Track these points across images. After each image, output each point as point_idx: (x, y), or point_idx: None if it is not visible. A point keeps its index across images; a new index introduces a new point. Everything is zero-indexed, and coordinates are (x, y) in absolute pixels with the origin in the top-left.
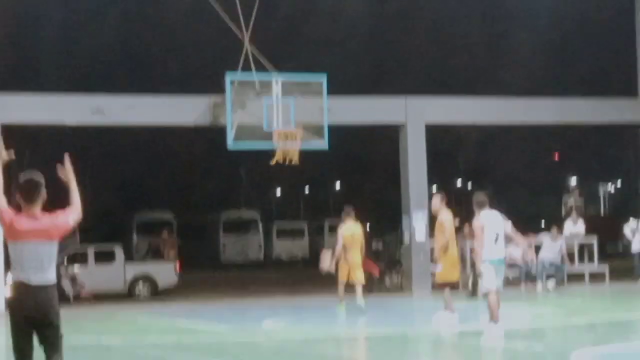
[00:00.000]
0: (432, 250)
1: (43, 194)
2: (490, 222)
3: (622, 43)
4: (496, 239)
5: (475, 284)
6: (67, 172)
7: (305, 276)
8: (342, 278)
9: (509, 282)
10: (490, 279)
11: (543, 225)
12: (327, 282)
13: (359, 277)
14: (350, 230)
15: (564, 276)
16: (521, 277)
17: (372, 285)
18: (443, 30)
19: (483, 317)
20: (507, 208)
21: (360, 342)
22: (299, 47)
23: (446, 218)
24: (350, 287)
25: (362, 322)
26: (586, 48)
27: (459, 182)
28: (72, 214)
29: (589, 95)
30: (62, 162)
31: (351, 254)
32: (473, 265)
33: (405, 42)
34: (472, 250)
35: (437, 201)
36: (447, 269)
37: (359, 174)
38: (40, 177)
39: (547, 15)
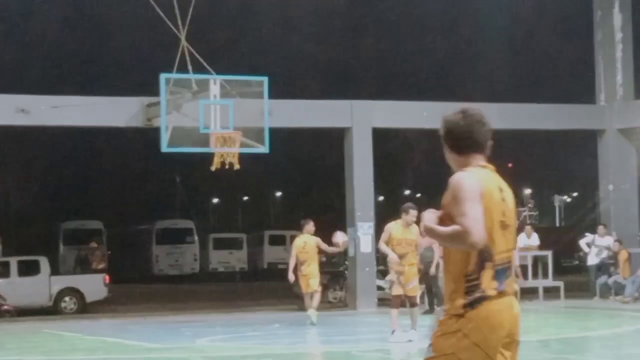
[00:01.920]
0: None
1: None
2: None
3: (581, 49)
4: None
5: (433, 298)
6: None
7: (243, 289)
8: (303, 290)
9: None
10: None
11: None
12: (266, 296)
13: (313, 286)
14: (302, 242)
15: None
16: None
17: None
18: (394, 33)
19: None
20: None
21: (296, 358)
22: (240, 49)
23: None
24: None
25: (301, 338)
26: (544, 53)
27: (407, 191)
28: None
29: (545, 102)
30: None
31: (305, 265)
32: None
33: (355, 46)
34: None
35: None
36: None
37: (302, 181)
38: None
39: (504, 20)
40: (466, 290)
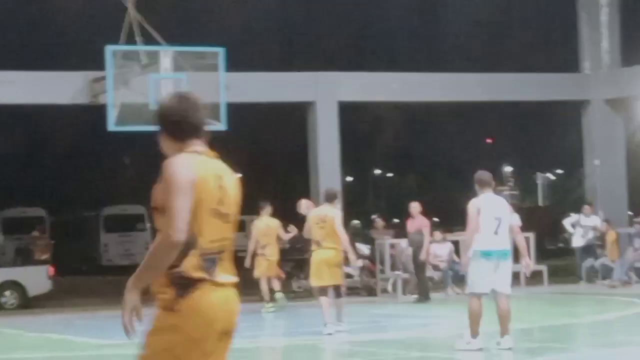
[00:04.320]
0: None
1: None
2: (490, 206)
3: (563, 13)
4: (497, 228)
5: (424, 287)
6: None
7: None
8: (260, 275)
9: (434, 285)
10: (478, 278)
11: None
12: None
13: (276, 273)
14: (264, 224)
15: None
16: (446, 280)
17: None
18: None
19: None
20: (432, 199)
21: (256, 352)
22: (193, 17)
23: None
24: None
25: (263, 331)
26: (523, 19)
27: (377, 171)
28: None
29: (526, 71)
30: None
31: (268, 249)
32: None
33: (318, 12)
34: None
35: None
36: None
37: (263, 161)
38: None
39: None
40: (172, 280)
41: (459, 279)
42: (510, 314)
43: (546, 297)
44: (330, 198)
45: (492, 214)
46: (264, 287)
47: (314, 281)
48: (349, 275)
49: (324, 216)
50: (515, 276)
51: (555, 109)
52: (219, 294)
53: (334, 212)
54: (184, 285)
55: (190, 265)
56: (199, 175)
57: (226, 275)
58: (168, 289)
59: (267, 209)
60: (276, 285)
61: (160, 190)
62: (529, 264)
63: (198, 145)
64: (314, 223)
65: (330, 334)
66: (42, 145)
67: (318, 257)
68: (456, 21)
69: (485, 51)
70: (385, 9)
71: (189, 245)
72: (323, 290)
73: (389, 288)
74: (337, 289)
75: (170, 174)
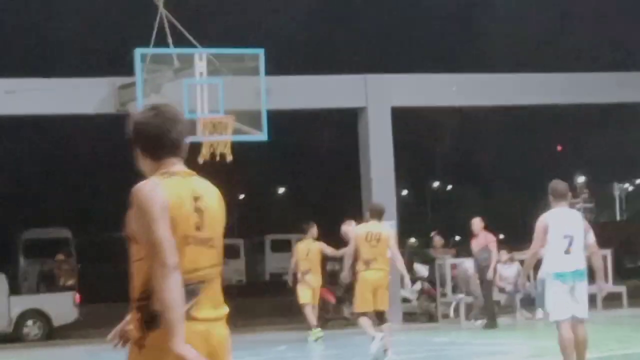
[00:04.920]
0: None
1: None
2: (561, 222)
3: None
4: (569, 246)
5: (491, 311)
6: None
7: (241, 306)
8: (303, 301)
9: (500, 309)
10: (557, 303)
11: None
12: (270, 313)
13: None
14: (306, 248)
15: None
16: (516, 302)
17: (328, 315)
18: None
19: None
20: (497, 214)
21: None
22: (231, 16)
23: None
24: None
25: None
26: (595, 10)
27: (436, 183)
28: None
29: (601, 70)
30: None
31: (310, 275)
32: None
33: (366, 10)
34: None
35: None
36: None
37: (308, 173)
38: None
39: None
40: (141, 313)
41: (529, 302)
42: (586, 342)
43: (626, 321)
44: (379, 214)
45: (563, 231)
46: (309, 314)
47: (360, 307)
48: (406, 300)
49: (377, 234)
50: (591, 299)
51: (635, 111)
52: (196, 329)
53: (388, 230)
54: (152, 319)
55: None
56: (171, 199)
57: (209, 308)
58: (137, 323)
59: (312, 231)
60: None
61: (134, 218)
62: (603, 288)
63: (177, 165)
64: (365, 240)
65: (378, 340)
66: (66, 160)
67: (366, 278)
68: (516, 14)
69: (553, 49)
70: (437, 3)
71: None
72: (365, 316)
73: (451, 313)
74: (382, 314)
75: (141, 202)
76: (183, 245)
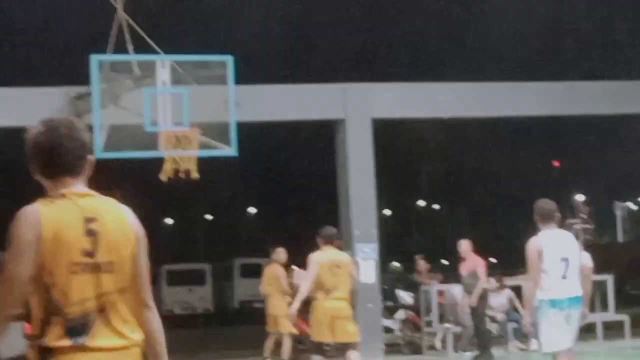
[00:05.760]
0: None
1: None
2: (555, 245)
3: None
4: (565, 271)
5: (484, 339)
6: None
7: (209, 337)
8: (269, 330)
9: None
10: (553, 333)
11: None
12: (240, 344)
13: (285, 326)
14: (271, 272)
15: None
16: (506, 333)
17: (304, 346)
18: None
19: None
20: (488, 236)
21: None
22: (194, 21)
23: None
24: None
25: None
26: (589, 17)
27: (421, 202)
28: None
29: (599, 79)
30: None
31: (270, 301)
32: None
33: (344, 13)
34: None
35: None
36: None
37: (281, 191)
38: None
39: None
40: (36, 350)
41: (522, 333)
42: None
43: (628, 353)
44: (331, 239)
45: (558, 254)
46: (268, 342)
47: (316, 335)
48: (388, 330)
49: (339, 261)
50: (591, 328)
51: (637, 124)
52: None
53: (348, 257)
54: (44, 355)
55: (52, 336)
56: (50, 228)
57: (108, 337)
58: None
59: (277, 255)
60: (287, 344)
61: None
62: (586, 314)
63: (73, 185)
64: (326, 268)
65: None
66: (14, 179)
67: (326, 307)
68: (510, 18)
69: (547, 56)
70: (420, 6)
71: (49, 312)
72: (321, 348)
73: (437, 344)
74: (347, 346)
75: (11, 231)
76: (69, 274)
